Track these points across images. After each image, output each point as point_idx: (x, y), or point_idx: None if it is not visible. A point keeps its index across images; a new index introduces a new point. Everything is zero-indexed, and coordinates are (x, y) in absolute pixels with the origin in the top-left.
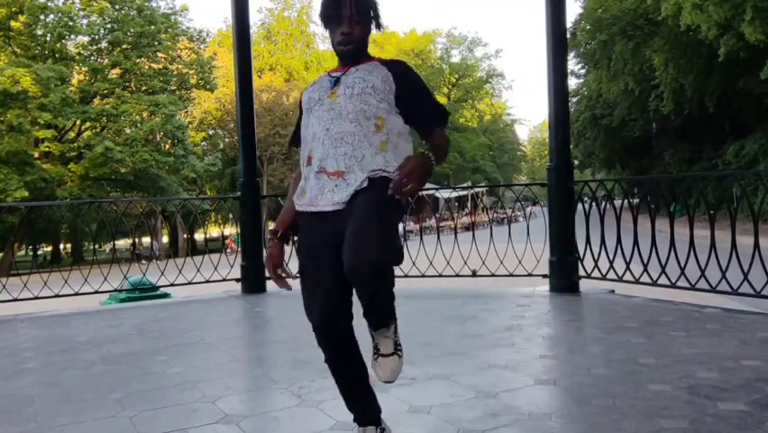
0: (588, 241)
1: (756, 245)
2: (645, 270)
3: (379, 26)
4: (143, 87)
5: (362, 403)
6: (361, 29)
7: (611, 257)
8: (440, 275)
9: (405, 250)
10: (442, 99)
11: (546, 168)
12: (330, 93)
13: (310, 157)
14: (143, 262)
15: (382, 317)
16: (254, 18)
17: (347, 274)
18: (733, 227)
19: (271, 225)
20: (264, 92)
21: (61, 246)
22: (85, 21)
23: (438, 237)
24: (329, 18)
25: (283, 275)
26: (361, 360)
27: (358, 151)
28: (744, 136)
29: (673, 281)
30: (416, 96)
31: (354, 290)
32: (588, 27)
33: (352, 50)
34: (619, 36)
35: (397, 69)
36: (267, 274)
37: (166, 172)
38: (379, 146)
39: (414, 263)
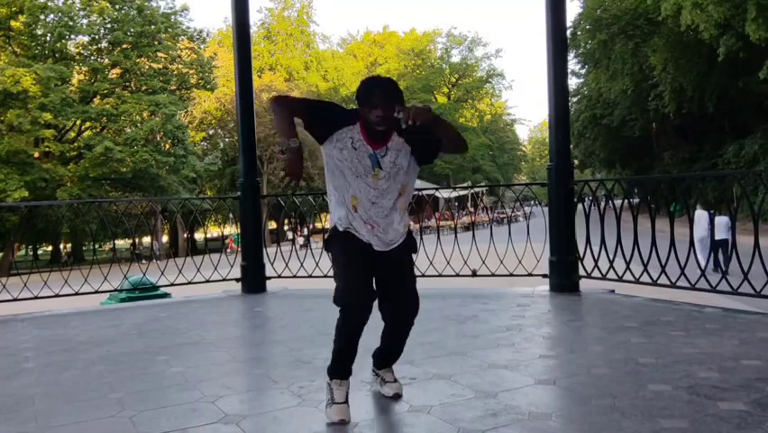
0: (588, 241)
1: (756, 245)
2: (645, 270)
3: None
4: (143, 87)
5: (352, 361)
6: (392, 112)
7: (611, 257)
8: (440, 275)
9: None
10: (442, 99)
11: (546, 168)
12: (373, 174)
13: (356, 207)
14: (143, 261)
15: (400, 353)
16: (254, 18)
17: (402, 317)
18: (733, 227)
19: (272, 225)
20: (264, 92)
21: (61, 246)
22: (85, 20)
23: (438, 237)
24: (371, 102)
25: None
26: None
27: (391, 216)
28: (743, 136)
29: (673, 281)
30: (425, 142)
31: (391, 331)
32: (587, 27)
33: (384, 130)
34: (619, 36)
35: (411, 136)
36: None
37: (166, 172)
38: (402, 206)
39: (414, 263)
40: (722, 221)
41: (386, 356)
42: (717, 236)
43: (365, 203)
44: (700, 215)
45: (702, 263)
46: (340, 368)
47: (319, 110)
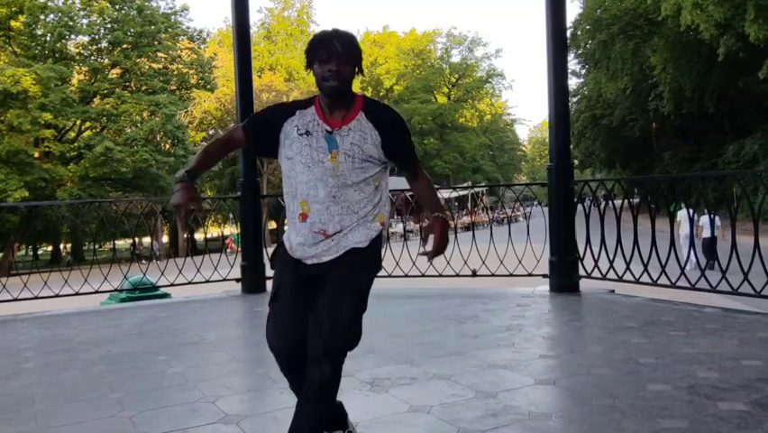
0: (588, 241)
1: (756, 245)
2: (645, 270)
3: (361, 71)
4: (143, 87)
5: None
6: (349, 69)
7: (611, 257)
8: (440, 275)
9: (405, 250)
10: (442, 99)
11: (546, 168)
12: (330, 156)
13: (305, 215)
14: (143, 262)
15: (325, 426)
16: (254, 18)
17: (319, 351)
18: (733, 227)
19: (272, 225)
20: (264, 92)
21: (61, 246)
22: (85, 21)
23: None
24: (317, 55)
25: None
26: None
27: (362, 212)
28: (743, 136)
29: (673, 281)
30: (401, 145)
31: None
32: (587, 27)
33: (338, 88)
34: (619, 36)
35: (384, 121)
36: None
37: (166, 172)
38: (377, 202)
39: (414, 263)
40: (707, 220)
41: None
42: (706, 234)
43: (322, 203)
44: (683, 214)
45: (683, 260)
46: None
47: (251, 123)
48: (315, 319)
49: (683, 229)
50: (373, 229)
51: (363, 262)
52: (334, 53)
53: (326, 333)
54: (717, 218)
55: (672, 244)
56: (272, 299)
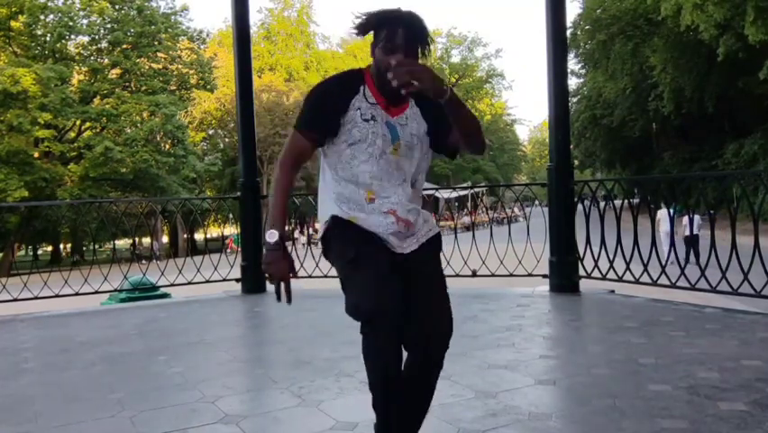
0: (588, 241)
1: (756, 245)
2: (645, 270)
3: (426, 55)
4: (143, 88)
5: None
6: (414, 59)
7: (611, 257)
8: None
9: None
10: None
11: (546, 168)
12: (392, 149)
13: (372, 198)
14: (143, 262)
15: (425, 412)
16: (254, 18)
17: (424, 348)
18: (733, 227)
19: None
20: (264, 92)
21: (61, 246)
22: (85, 21)
23: None
24: (380, 40)
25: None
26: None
27: (417, 202)
28: (743, 136)
29: (673, 281)
30: (444, 129)
31: (409, 370)
32: (587, 27)
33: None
34: (618, 36)
35: (428, 107)
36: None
37: (166, 172)
38: (420, 191)
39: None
40: (693, 219)
41: (400, 417)
42: (689, 232)
43: (387, 190)
44: (663, 213)
45: (664, 256)
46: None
47: (318, 129)
48: (419, 314)
49: (663, 227)
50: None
51: (437, 249)
52: (402, 45)
53: (436, 333)
54: (697, 217)
55: (672, 244)
56: (352, 262)
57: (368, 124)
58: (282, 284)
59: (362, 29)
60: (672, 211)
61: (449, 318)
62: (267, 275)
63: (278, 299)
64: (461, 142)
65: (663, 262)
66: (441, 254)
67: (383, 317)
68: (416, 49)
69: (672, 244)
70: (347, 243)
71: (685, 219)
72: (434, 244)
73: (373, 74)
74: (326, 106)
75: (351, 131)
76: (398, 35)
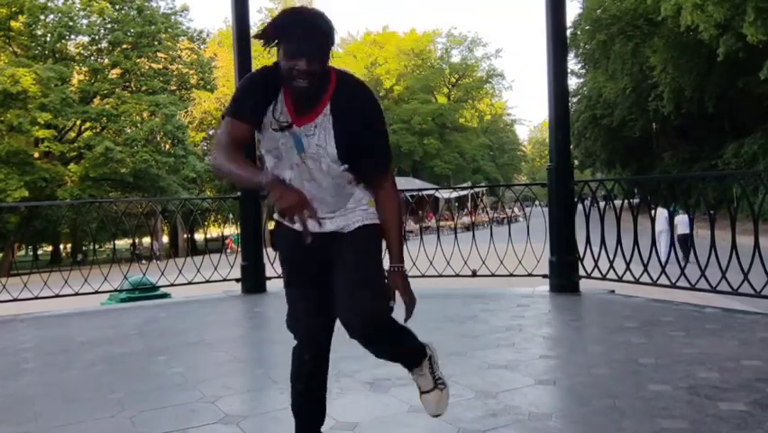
0: (588, 241)
1: (756, 245)
2: (645, 270)
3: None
4: (143, 88)
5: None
6: (322, 63)
7: (611, 257)
8: (440, 275)
9: (405, 250)
10: (442, 99)
11: (546, 168)
12: (300, 156)
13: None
14: (143, 262)
15: (407, 360)
16: (254, 18)
17: (349, 327)
18: (733, 227)
19: (271, 225)
20: None
21: (64, 246)
22: (85, 21)
23: (438, 237)
24: (289, 49)
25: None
26: (322, 404)
27: (341, 203)
28: (743, 136)
29: (673, 281)
30: (369, 138)
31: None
32: (587, 27)
33: (308, 90)
34: (619, 36)
35: (350, 105)
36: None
37: (166, 172)
38: (354, 192)
39: (414, 263)
40: (684, 218)
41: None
42: (680, 231)
43: (303, 187)
44: (660, 212)
45: (663, 254)
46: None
47: (243, 100)
48: (338, 295)
49: (657, 226)
50: (371, 212)
51: (370, 246)
52: (305, 49)
53: (354, 310)
54: (686, 217)
55: (672, 243)
56: (285, 283)
57: (278, 133)
58: (304, 213)
59: (265, 40)
60: (667, 211)
61: (368, 301)
62: (281, 212)
63: (307, 237)
64: (365, 177)
65: (659, 262)
66: (375, 242)
67: (306, 348)
68: (314, 49)
69: (672, 243)
70: (282, 259)
71: (677, 219)
72: (364, 232)
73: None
74: (253, 95)
75: (265, 136)
76: (295, 39)
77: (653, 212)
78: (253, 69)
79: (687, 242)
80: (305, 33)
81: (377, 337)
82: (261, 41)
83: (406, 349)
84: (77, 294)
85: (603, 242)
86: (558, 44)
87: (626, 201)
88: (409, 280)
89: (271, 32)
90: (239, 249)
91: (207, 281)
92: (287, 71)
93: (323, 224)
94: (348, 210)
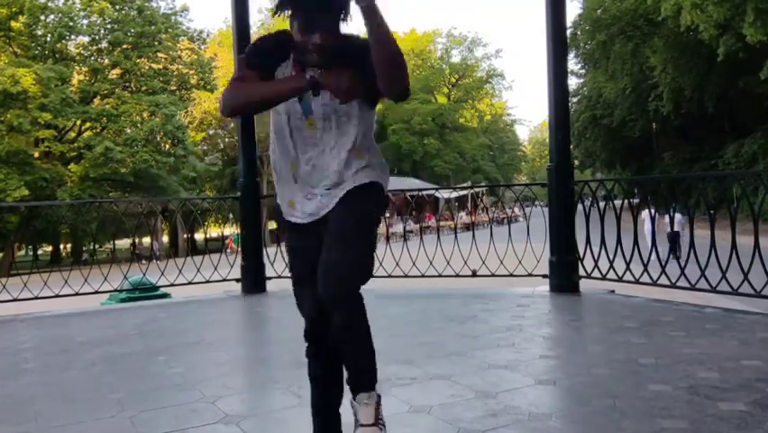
0: (588, 241)
1: (756, 245)
2: (645, 270)
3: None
4: (143, 88)
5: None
6: (335, 35)
7: (611, 257)
8: (440, 275)
9: (405, 250)
10: (442, 99)
11: (546, 168)
12: (306, 123)
13: (295, 176)
14: (143, 262)
15: (364, 370)
16: (254, 18)
17: (325, 302)
18: (733, 227)
19: (271, 226)
20: None
21: (64, 246)
22: (85, 21)
23: (438, 237)
24: (303, 24)
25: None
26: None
27: (342, 170)
28: (743, 136)
29: (673, 281)
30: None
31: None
32: (587, 27)
33: (322, 63)
34: (619, 36)
35: (354, 54)
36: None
37: (166, 172)
38: (357, 156)
39: (414, 263)
40: (675, 217)
41: (350, 374)
42: (669, 229)
43: (301, 165)
44: (645, 214)
45: (662, 254)
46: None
47: (254, 56)
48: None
49: (646, 225)
50: (362, 175)
51: (357, 208)
52: (318, 21)
53: (326, 278)
54: (678, 216)
55: (673, 242)
56: (292, 275)
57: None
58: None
59: (279, 8)
60: (653, 211)
61: (349, 255)
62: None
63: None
64: (378, 78)
65: (659, 262)
66: (369, 201)
67: (315, 341)
68: (328, 24)
69: (653, 243)
70: (288, 249)
71: (666, 217)
72: (352, 195)
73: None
74: (265, 51)
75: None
76: (310, 12)
77: (642, 213)
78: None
79: (675, 239)
80: (320, 7)
81: (347, 304)
82: (275, 8)
83: (369, 348)
84: (77, 294)
85: (603, 242)
86: (558, 44)
87: (626, 201)
88: (410, 278)
89: (287, 3)
90: (239, 249)
91: (207, 281)
92: (301, 44)
93: (318, 203)
94: (344, 185)
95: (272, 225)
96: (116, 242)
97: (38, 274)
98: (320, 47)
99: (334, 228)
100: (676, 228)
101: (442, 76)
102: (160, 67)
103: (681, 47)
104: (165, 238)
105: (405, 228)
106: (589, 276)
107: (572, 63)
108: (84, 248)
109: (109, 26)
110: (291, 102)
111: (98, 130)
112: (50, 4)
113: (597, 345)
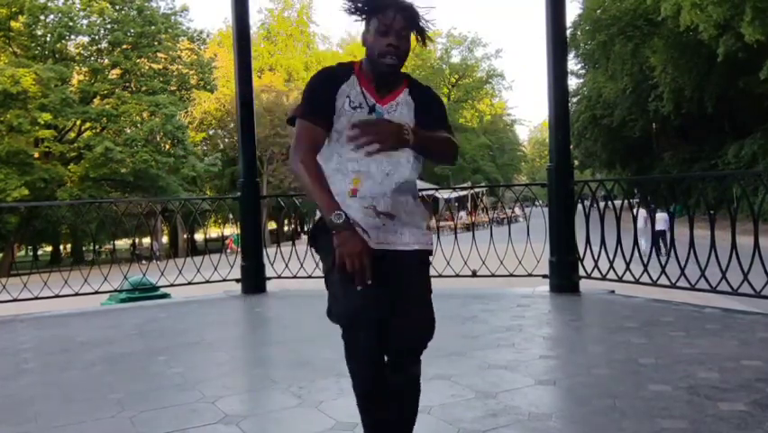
0: (588, 241)
1: (756, 245)
2: (645, 270)
3: (424, 41)
4: (143, 88)
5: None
6: (409, 43)
7: (611, 257)
8: (440, 275)
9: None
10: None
11: (546, 168)
12: None
13: (355, 189)
14: (143, 262)
15: (415, 414)
16: (254, 18)
17: (406, 341)
18: (733, 227)
19: (272, 225)
20: (264, 92)
21: (64, 246)
22: (85, 21)
23: (438, 237)
24: (372, 23)
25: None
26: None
27: (410, 196)
28: (743, 136)
29: (673, 281)
30: (434, 123)
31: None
32: (587, 27)
33: (396, 67)
34: (618, 37)
35: (426, 100)
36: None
37: (166, 172)
38: (415, 196)
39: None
40: (661, 216)
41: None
42: (657, 228)
43: (375, 179)
44: (641, 213)
45: (644, 249)
46: None
47: (321, 113)
48: (399, 310)
49: (640, 225)
50: (428, 235)
51: (426, 272)
52: (396, 26)
53: (415, 326)
54: (663, 214)
55: (672, 244)
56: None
57: (355, 112)
58: (364, 260)
59: (354, 11)
60: (646, 211)
61: (430, 314)
62: (342, 256)
63: (363, 279)
64: (433, 155)
65: (659, 262)
66: (430, 266)
67: (361, 322)
68: (408, 33)
69: (652, 239)
70: (331, 246)
71: (658, 216)
72: (422, 256)
73: (364, 64)
74: (325, 93)
75: (339, 118)
76: (391, 18)
77: (634, 210)
78: (253, 70)
79: (662, 238)
80: (395, 14)
81: (419, 354)
82: (348, 9)
83: (417, 397)
84: (77, 294)
85: (603, 242)
86: (558, 45)
87: (626, 201)
88: None
89: (364, 5)
90: (239, 249)
91: (207, 282)
92: (375, 49)
93: (385, 241)
94: (405, 216)
95: (272, 225)
96: (116, 242)
97: (38, 274)
98: (397, 49)
99: (416, 295)
100: (660, 227)
101: (442, 76)
102: (160, 67)
103: (680, 47)
104: (165, 238)
105: None
106: (589, 276)
107: (572, 63)
108: (84, 248)
109: (109, 26)
110: (360, 115)
111: (98, 130)
112: (49, 4)
113: (597, 346)
